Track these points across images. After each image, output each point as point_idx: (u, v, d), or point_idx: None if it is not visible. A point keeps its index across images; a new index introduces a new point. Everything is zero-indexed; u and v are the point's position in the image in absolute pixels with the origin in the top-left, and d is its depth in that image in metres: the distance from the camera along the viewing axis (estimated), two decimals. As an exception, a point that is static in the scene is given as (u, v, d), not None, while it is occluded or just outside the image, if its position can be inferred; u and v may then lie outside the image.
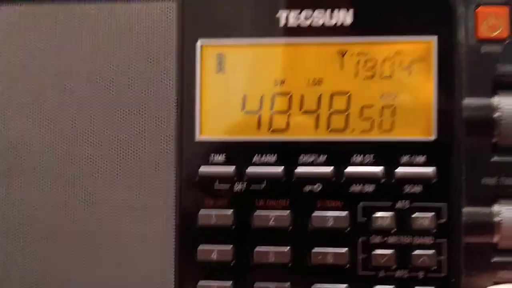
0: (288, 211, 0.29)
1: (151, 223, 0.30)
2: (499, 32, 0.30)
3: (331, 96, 0.30)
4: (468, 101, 0.29)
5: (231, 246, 0.30)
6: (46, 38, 0.31)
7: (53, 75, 0.31)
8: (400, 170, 0.29)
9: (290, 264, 0.29)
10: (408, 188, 0.29)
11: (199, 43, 0.30)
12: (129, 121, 0.30)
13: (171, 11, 0.30)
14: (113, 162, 0.30)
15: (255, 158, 0.30)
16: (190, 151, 0.30)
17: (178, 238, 0.30)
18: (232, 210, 0.30)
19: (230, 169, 0.30)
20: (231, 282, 0.29)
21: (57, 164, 0.30)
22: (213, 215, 0.30)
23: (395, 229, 0.29)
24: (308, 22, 0.30)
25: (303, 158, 0.30)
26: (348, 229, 0.29)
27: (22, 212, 0.30)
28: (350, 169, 0.29)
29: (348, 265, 0.29)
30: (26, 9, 0.31)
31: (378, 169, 0.29)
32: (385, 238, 0.29)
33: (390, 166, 0.29)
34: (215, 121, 0.30)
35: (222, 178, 0.30)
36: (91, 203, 0.30)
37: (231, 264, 0.30)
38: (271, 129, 0.30)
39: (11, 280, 0.30)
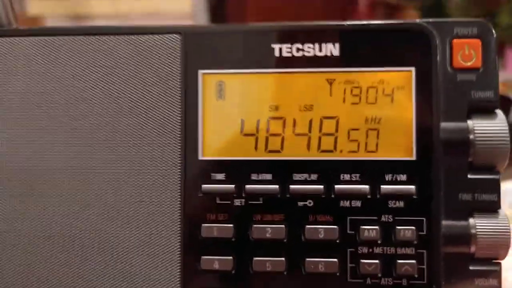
0: (283, 224, 0.32)
1: (158, 236, 0.32)
2: (473, 62, 0.32)
3: (321, 120, 0.32)
4: (445, 125, 0.31)
5: (232, 256, 0.32)
6: (63, 66, 0.33)
7: (68, 101, 0.33)
8: (384, 187, 0.31)
9: (285, 273, 0.31)
10: (391, 204, 0.31)
11: (200, 72, 0.32)
12: (138, 142, 0.32)
13: (177, 42, 0.33)
14: (123, 180, 0.32)
15: (253, 176, 0.32)
16: (194, 170, 0.32)
17: (183, 249, 0.32)
18: (232, 223, 0.32)
19: (230, 186, 0.32)
20: None
21: (71, 182, 0.32)
22: (215, 228, 0.32)
23: (380, 241, 0.31)
24: (299, 54, 0.32)
25: (297, 176, 0.32)
26: (338, 240, 0.31)
27: (37, 227, 0.33)
28: (339, 186, 0.32)
29: (338, 274, 0.31)
30: (44, 40, 0.34)
31: (365, 186, 0.31)
32: (372, 249, 0.31)
33: (375, 184, 0.31)
34: (216, 143, 0.32)
35: (223, 195, 0.32)
36: (104, 218, 0.32)
37: (232, 273, 0.32)
38: (267, 150, 0.32)
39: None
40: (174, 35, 0.33)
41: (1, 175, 0.33)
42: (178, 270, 0.32)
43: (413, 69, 0.32)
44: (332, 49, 0.32)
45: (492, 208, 0.31)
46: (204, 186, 0.32)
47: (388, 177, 0.31)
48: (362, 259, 0.31)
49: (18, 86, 0.33)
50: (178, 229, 0.32)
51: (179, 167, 0.32)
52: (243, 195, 0.32)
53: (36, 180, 0.33)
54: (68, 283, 0.32)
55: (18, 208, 0.33)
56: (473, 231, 0.31)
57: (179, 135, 0.32)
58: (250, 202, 0.32)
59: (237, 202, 0.32)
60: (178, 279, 0.32)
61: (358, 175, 0.32)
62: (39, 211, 0.33)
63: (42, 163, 0.33)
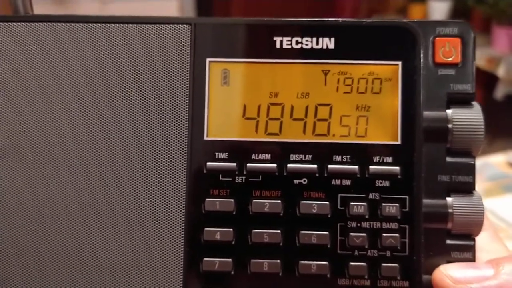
0: (280, 200, 0.34)
1: (164, 208, 0.34)
2: (453, 58, 0.35)
3: (316, 107, 0.35)
4: (427, 113, 0.34)
5: (232, 228, 0.34)
6: (76, 52, 0.35)
7: (81, 83, 0.35)
8: (372, 168, 0.34)
9: (281, 244, 0.34)
10: (378, 183, 0.34)
11: (208, 60, 0.35)
12: (149, 123, 0.35)
13: (186, 33, 0.35)
14: (134, 156, 0.35)
15: (253, 156, 0.34)
16: (199, 149, 0.34)
17: (187, 222, 0.34)
18: (233, 198, 0.34)
19: (232, 164, 0.34)
20: (231, 259, 0.34)
21: (83, 154, 0.35)
22: (217, 202, 0.34)
23: (368, 216, 0.34)
24: (298, 46, 0.35)
25: (293, 156, 0.34)
26: (329, 215, 0.34)
27: (46, 194, 0.35)
28: (331, 166, 0.34)
29: (329, 245, 0.34)
30: (57, 27, 0.36)
31: (354, 167, 0.34)
32: (359, 223, 0.34)
33: (364, 165, 0.34)
34: (220, 125, 0.35)
35: (225, 172, 0.34)
36: (113, 190, 0.34)
37: (232, 244, 0.34)
38: (266, 133, 0.35)
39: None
40: (185, 25, 0.35)
41: (19, 145, 0.35)
42: (182, 241, 0.34)
43: (399, 63, 0.35)
44: (327, 42, 0.35)
45: (468, 189, 0.34)
46: (208, 164, 0.34)
47: (375, 159, 0.34)
48: (351, 232, 0.34)
49: (33, 68, 0.36)
50: (183, 203, 0.34)
51: (186, 147, 0.35)
52: (244, 172, 0.34)
53: (48, 150, 0.35)
54: (76, 247, 0.35)
55: (30, 175, 0.35)
56: (450, 209, 0.34)
57: (186, 117, 0.35)
58: (250, 179, 0.34)
59: (238, 179, 0.34)
60: (181, 249, 0.34)
61: (348, 156, 0.34)
62: (49, 179, 0.35)
63: (56, 137, 0.35)
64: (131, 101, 0.35)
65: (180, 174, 0.35)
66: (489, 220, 0.37)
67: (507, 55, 2.30)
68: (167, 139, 0.35)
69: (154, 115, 0.35)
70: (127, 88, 0.35)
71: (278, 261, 0.34)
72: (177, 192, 0.35)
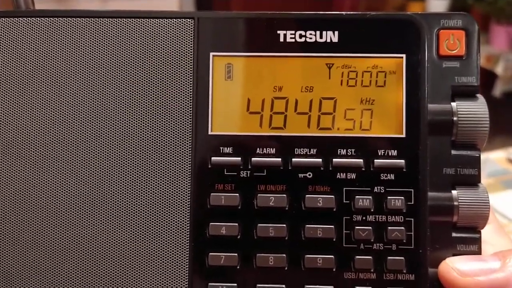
0: (285, 194, 0.34)
1: (169, 203, 0.34)
2: (457, 50, 0.35)
3: (320, 100, 0.35)
4: (432, 106, 0.34)
5: (237, 223, 0.34)
6: (77, 48, 0.35)
7: (86, 79, 0.35)
8: (377, 161, 0.34)
9: (286, 238, 0.34)
10: (383, 176, 0.34)
11: (211, 55, 0.35)
12: (153, 118, 0.35)
13: (189, 27, 0.35)
14: (138, 152, 0.35)
15: (258, 150, 0.34)
16: (204, 144, 0.34)
17: (192, 217, 0.34)
18: (238, 193, 0.34)
19: (237, 159, 0.34)
20: (237, 253, 0.34)
21: (86, 154, 0.35)
22: (222, 197, 0.34)
23: (373, 210, 0.34)
24: (302, 40, 0.35)
25: (298, 151, 0.34)
26: (335, 209, 0.34)
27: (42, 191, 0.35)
28: (336, 160, 0.34)
29: (334, 239, 0.34)
30: (52, 22, 0.35)
31: (359, 160, 0.34)
32: (365, 217, 0.34)
33: (369, 158, 0.34)
34: (224, 120, 0.35)
35: (230, 167, 0.34)
36: (115, 186, 0.34)
37: (238, 238, 0.34)
38: (271, 127, 0.35)
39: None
40: (188, 19, 0.35)
41: (15, 141, 0.35)
42: (188, 236, 0.34)
43: (404, 56, 0.35)
44: (331, 36, 0.35)
45: (473, 181, 0.34)
46: (213, 158, 0.34)
47: (380, 152, 0.34)
48: (356, 226, 0.34)
49: (34, 63, 0.35)
50: (188, 198, 0.34)
51: (190, 141, 0.35)
52: (249, 167, 0.34)
53: (47, 144, 0.35)
54: (78, 242, 0.34)
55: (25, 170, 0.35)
56: (455, 202, 0.34)
57: (190, 112, 0.35)
58: (255, 173, 0.34)
59: (243, 174, 0.34)
60: (187, 244, 0.34)
61: (353, 150, 0.34)
62: (47, 174, 0.35)
63: (54, 131, 0.35)
64: (135, 96, 0.35)
65: (184, 169, 0.35)
66: (494, 214, 0.37)
67: (506, 52, 2.31)
68: (171, 134, 0.35)
69: (158, 110, 0.35)
70: (130, 82, 0.35)
71: (284, 255, 0.34)
72: (181, 187, 0.34)
